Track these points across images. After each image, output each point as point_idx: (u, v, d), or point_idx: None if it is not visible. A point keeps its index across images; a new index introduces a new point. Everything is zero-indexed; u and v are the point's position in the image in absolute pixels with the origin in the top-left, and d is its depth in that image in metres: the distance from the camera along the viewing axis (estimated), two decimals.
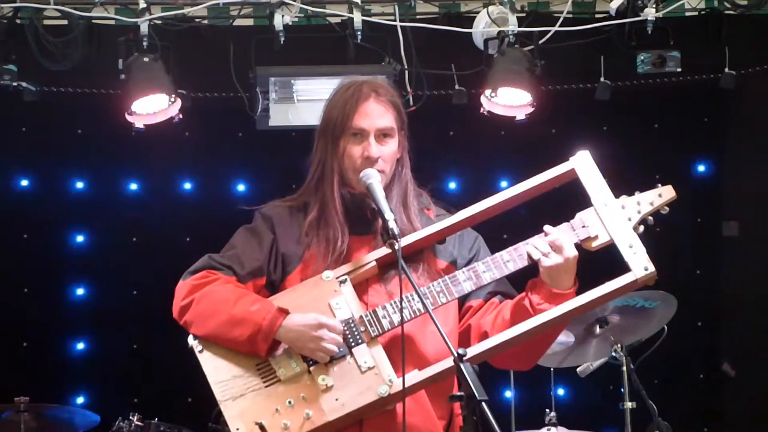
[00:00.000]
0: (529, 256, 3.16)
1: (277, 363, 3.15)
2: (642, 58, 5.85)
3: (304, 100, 5.88)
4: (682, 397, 6.48)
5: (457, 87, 5.92)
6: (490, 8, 5.75)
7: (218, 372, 3.16)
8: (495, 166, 6.76)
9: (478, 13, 5.85)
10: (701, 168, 6.95)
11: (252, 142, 6.50)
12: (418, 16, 5.90)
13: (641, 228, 3.19)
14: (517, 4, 5.84)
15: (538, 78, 5.75)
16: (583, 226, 3.19)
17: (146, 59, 5.61)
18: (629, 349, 5.25)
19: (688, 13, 5.95)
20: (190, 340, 3.22)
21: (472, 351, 3.05)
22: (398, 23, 5.76)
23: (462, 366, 2.79)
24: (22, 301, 6.63)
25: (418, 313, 3.13)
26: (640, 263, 3.13)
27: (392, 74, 5.63)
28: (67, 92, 5.96)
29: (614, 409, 5.26)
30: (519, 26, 5.77)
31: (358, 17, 5.70)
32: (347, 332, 3.14)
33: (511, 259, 3.19)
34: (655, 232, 3.23)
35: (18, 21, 5.66)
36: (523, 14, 5.90)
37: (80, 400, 6.61)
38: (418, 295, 3.04)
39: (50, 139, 6.63)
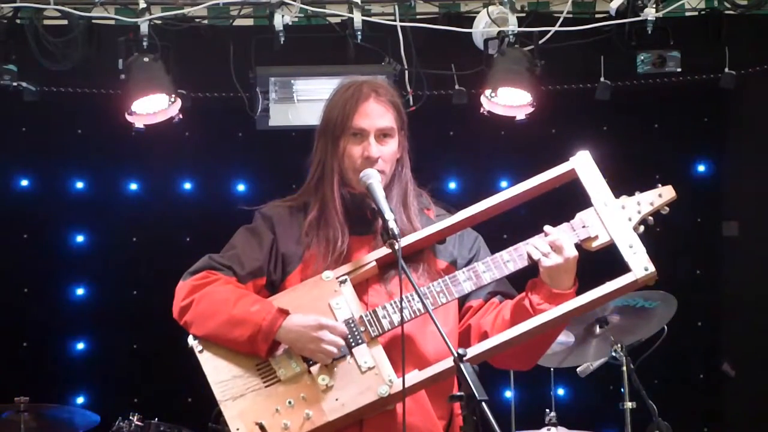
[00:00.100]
0: (529, 257, 3.16)
1: (277, 363, 3.15)
2: (642, 58, 5.85)
3: (304, 100, 5.88)
4: (682, 397, 6.48)
5: (457, 87, 5.92)
6: (490, 8, 5.75)
7: (218, 372, 3.16)
8: (495, 166, 6.76)
9: (478, 13, 5.85)
10: (701, 168, 6.95)
11: (252, 142, 6.50)
12: (418, 16, 5.90)
13: (641, 228, 3.19)
14: (517, 4, 5.84)
15: (538, 78, 5.75)
16: (583, 227, 3.19)
17: (146, 59, 5.61)
18: (629, 349, 5.25)
19: (688, 13, 5.95)
20: (190, 340, 3.22)
21: (472, 351, 3.05)
22: (398, 23, 5.76)
23: (462, 366, 2.79)
24: (22, 301, 6.63)
25: (418, 313, 3.13)
26: (640, 263, 3.13)
27: (392, 74, 5.63)
28: (67, 92, 5.96)
29: (614, 409, 5.26)
30: (519, 26, 5.77)
31: (358, 17, 5.70)
32: (347, 332, 3.14)
33: (511, 259, 3.18)
34: (655, 232, 3.22)
35: (18, 21, 5.66)
36: (523, 14, 5.90)
37: (80, 400, 6.61)
38: (418, 295, 3.04)
39: (50, 139, 6.63)
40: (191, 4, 5.72)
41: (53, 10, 5.62)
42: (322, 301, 3.17)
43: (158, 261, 6.30)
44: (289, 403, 3.11)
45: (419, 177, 3.39)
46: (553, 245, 3.14)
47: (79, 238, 6.79)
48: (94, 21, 5.70)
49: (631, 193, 3.23)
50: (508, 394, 5.74)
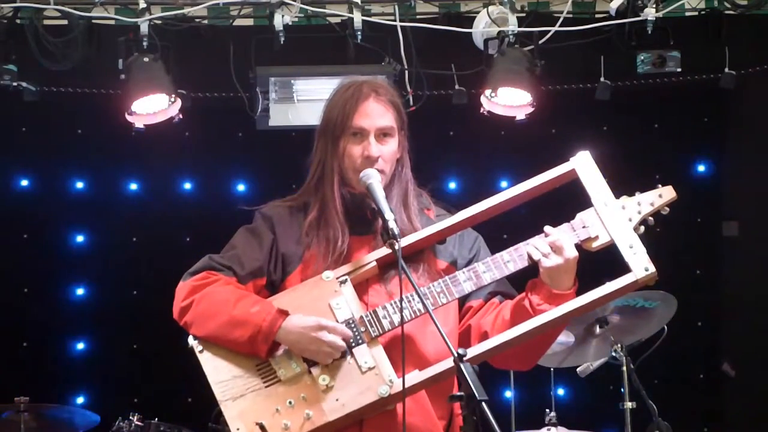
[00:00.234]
0: (530, 257, 3.16)
1: (277, 363, 3.15)
2: (642, 58, 5.85)
3: (304, 100, 5.88)
4: (682, 397, 6.48)
5: (457, 87, 5.92)
6: (490, 8, 5.74)
7: (218, 372, 3.16)
8: (495, 166, 6.76)
9: (478, 13, 5.84)
10: (701, 168, 6.95)
11: (252, 142, 6.50)
12: (418, 16, 5.90)
13: (642, 228, 3.19)
14: (517, 4, 5.84)
15: (538, 78, 5.75)
16: (584, 227, 3.19)
17: (146, 59, 5.61)
18: (629, 349, 5.25)
19: (688, 13, 5.95)
20: (191, 340, 3.22)
21: (472, 351, 3.05)
22: (398, 23, 5.76)
23: (462, 366, 2.79)
24: (22, 301, 6.63)
25: (418, 313, 3.13)
26: (640, 264, 3.13)
27: (392, 74, 5.63)
28: (67, 92, 5.96)
29: (614, 409, 5.26)
30: (519, 26, 5.77)
31: (358, 17, 5.69)
32: (347, 333, 3.14)
33: (512, 259, 3.18)
34: (655, 232, 3.22)
35: (18, 21, 5.66)
36: (523, 14, 5.90)
37: (80, 400, 6.61)
38: (419, 295, 3.04)
39: (50, 139, 6.63)
40: (191, 4, 5.71)
41: (53, 10, 5.62)
42: (322, 301, 3.17)
43: (158, 261, 6.30)
44: (290, 403, 3.11)
45: (419, 177, 3.39)
46: (553, 246, 3.14)
47: (79, 238, 6.79)
48: (94, 21, 5.70)
49: (631, 194, 3.23)
50: (508, 394, 5.74)
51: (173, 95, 5.72)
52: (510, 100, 5.85)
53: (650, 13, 5.71)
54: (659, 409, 5.16)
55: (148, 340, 6.43)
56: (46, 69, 5.67)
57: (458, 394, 2.83)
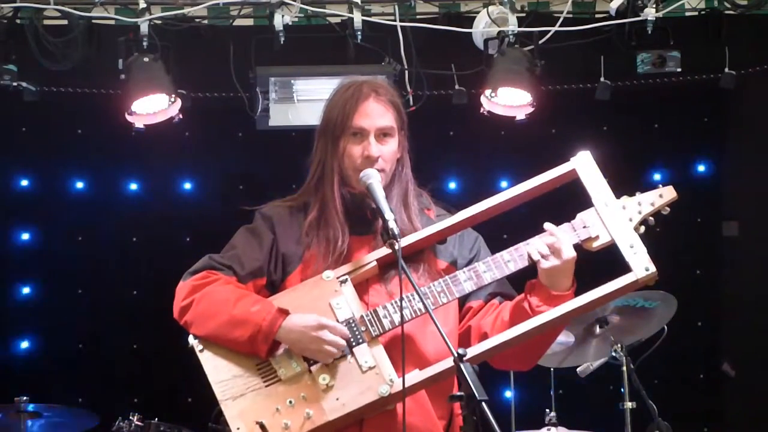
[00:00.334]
0: (530, 257, 3.17)
1: (277, 362, 3.15)
2: (642, 58, 5.85)
3: (304, 100, 5.88)
4: (682, 397, 6.48)
5: (457, 87, 5.92)
6: (490, 8, 5.74)
7: (219, 371, 3.16)
8: (495, 166, 6.76)
9: (478, 13, 5.84)
10: (701, 168, 6.95)
11: (252, 142, 6.49)
12: (418, 16, 5.90)
13: (642, 228, 3.19)
14: (517, 4, 5.84)
15: (538, 78, 5.75)
16: (584, 227, 3.19)
17: (146, 59, 5.60)
18: (629, 349, 5.25)
19: (688, 13, 5.95)
20: (191, 340, 3.22)
21: (472, 351, 3.05)
22: (398, 23, 5.76)
23: (462, 366, 2.80)
24: (23, 301, 6.63)
25: (418, 313, 3.13)
26: (641, 263, 3.13)
27: (392, 74, 5.63)
28: (67, 92, 5.96)
29: (614, 409, 5.26)
30: (519, 26, 5.77)
31: (358, 17, 5.69)
32: (347, 333, 3.14)
33: (512, 259, 3.18)
34: (655, 232, 3.23)
35: (18, 21, 5.65)
36: (523, 14, 5.90)
37: (80, 400, 6.60)
38: (419, 295, 3.04)
39: (50, 139, 6.63)
40: (191, 4, 5.71)
41: (53, 10, 5.62)
42: (322, 301, 3.17)
43: (158, 261, 6.30)
44: (290, 402, 3.11)
45: (419, 177, 3.39)
46: (552, 247, 3.14)
47: (79, 238, 6.79)
48: (94, 21, 5.70)
49: (631, 193, 3.23)
50: (508, 394, 5.74)
51: (173, 95, 5.72)
52: (510, 100, 5.85)
53: (650, 13, 5.71)
54: (659, 409, 5.16)
55: (148, 340, 6.43)
56: (46, 69, 5.67)
57: (458, 394, 2.83)
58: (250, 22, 5.93)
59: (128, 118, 5.75)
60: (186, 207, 6.78)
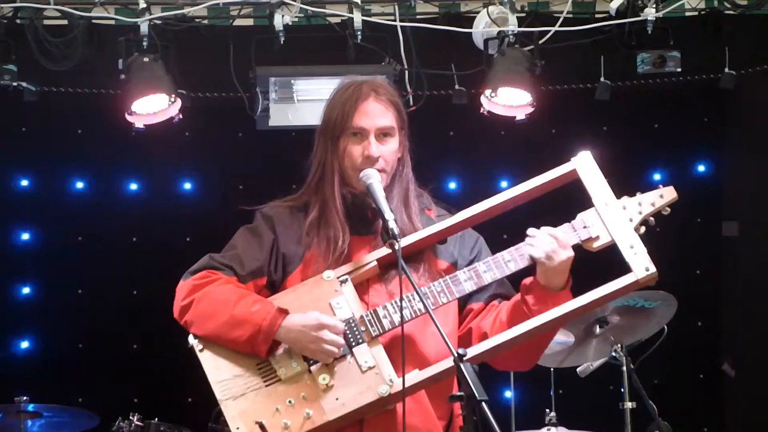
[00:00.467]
0: (530, 256, 3.17)
1: (277, 362, 3.15)
2: (642, 58, 5.84)
3: (304, 100, 5.87)
4: (682, 397, 6.48)
5: (457, 87, 5.91)
6: (490, 8, 5.74)
7: (219, 371, 3.16)
8: (495, 166, 6.76)
9: (478, 13, 5.84)
10: (701, 168, 6.94)
11: (252, 142, 6.49)
12: (418, 16, 5.89)
13: (642, 229, 3.19)
14: (517, 4, 5.84)
15: (538, 78, 5.74)
16: (585, 227, 3.19)
17: (146, 59, 5.60)
18: (629, 349, 5.25)
19: (688, 13, 5.94)
20: (191, 340, 3.22)
21: (472, 351, 3.05)
22: (398, 23, 5.76)
23: (462, 366, 2.80)
24: (23, 301, 6.63)
25: (418, 313, 3.13)
26: (641, 264, 3.13)
27: (392, 74, 5.62)
28: (67, 92, 5.96)
29: (614, 409, 5.26)
30: (519, 26, 5.76)
31: (358, 17, 5.69)
32: (348, 332, 3.14)
33: (512, 259, 3.19)
34: (655, 232, 3.23)
35: (18, 21, 5.65)
36: (523, 14, 5.89)
37: (80, 400, 6.60)
38: (419, 295, 3.04)
39: (50, 139, 6.62)
40: (191, 4, 5.71)
41: (53, 10, 5.61)
42: (322, 301, 3.17)
43: (158, 261, 6.29)
44: (290, 402, 3.11)
45: (419, 177, 3.39)
46: (551, 247, 3.14)
47: (79, 238, 6.79)
48: (94, 21, 5.69)
49: (631, 194, 3.23)
50: (508, 394, 5.73)
51: (173, 95, 5.72)
52: (510, 100, 5.84)
53: (650, 13, 5.71)
54: (659, 409, 5.17)
55: (148, 340, 6.43)
56: (46, 69, 5.66)
57: (458, 394, 2.83)
58: (250, 22, 5.92)
59: (128, 118, 5.75)
60: (186, 207, 6.78)
